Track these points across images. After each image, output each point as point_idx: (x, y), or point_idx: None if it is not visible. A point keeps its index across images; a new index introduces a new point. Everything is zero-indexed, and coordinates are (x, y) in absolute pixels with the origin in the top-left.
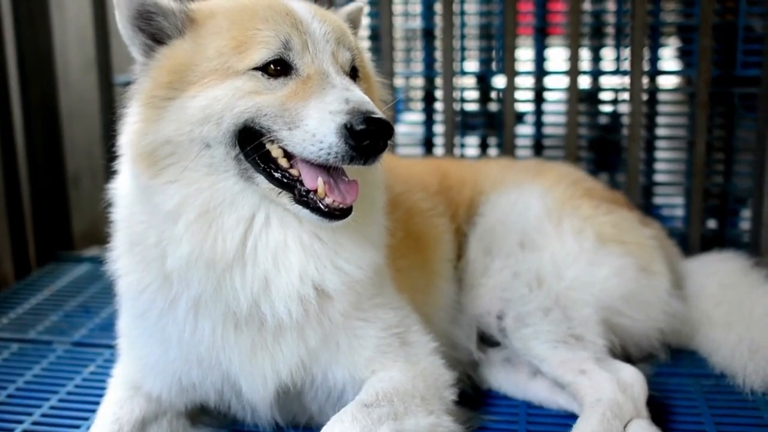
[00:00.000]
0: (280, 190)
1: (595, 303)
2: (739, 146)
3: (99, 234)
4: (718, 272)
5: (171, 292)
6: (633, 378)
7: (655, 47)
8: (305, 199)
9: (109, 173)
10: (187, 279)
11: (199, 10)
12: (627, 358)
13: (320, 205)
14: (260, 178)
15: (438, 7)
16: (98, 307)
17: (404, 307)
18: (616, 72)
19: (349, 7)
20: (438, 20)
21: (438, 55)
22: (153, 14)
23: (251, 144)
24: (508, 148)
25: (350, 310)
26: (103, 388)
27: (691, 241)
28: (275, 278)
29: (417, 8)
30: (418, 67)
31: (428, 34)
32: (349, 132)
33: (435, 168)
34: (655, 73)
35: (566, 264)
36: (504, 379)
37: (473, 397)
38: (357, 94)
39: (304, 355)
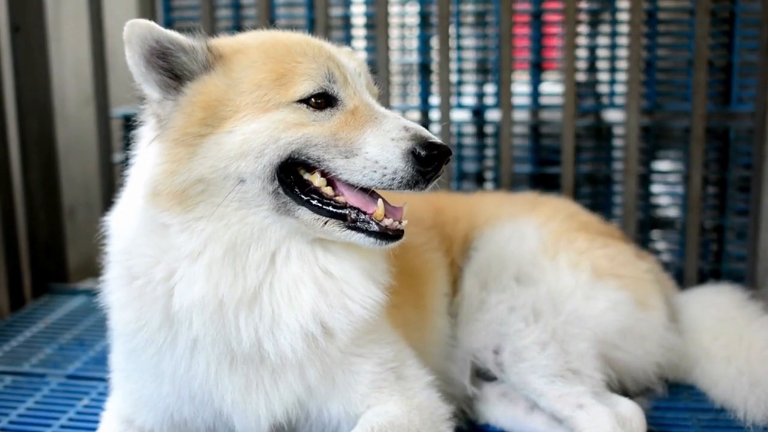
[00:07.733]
0: (326, 219)
1: (591, 337)
2: (734, 181)
3: (94, 267)
4: (714, 305)
5: (171, 330)
6: (631, 412)
7: (651, 82)
8: (357, 224)
9: (106, 206)
10: (190, 318)
11: (225, 45)
12: (624, 392)
13: (376, 227)
14: (302, 210)
15: (434, 42)
16: (93, 340)
17: (399, 341)
18: (611, 106)
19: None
20: (434, 55)
21: (434, 89)
22: (171, 50)
23: (288, 177)
24: (504, 182)
25: (348, 346)
26: (97, 422)
27: (687, 275)
28: (285, 315)
29: (414, 43)
30: (415, 101)
31: (425, 68)
32: (416, 158)
33: (429, 202)
34: (651, 107)
35: (562, 298)
36: (501, 413)
37: None
38: (411, 122)
39: (301, 392)
